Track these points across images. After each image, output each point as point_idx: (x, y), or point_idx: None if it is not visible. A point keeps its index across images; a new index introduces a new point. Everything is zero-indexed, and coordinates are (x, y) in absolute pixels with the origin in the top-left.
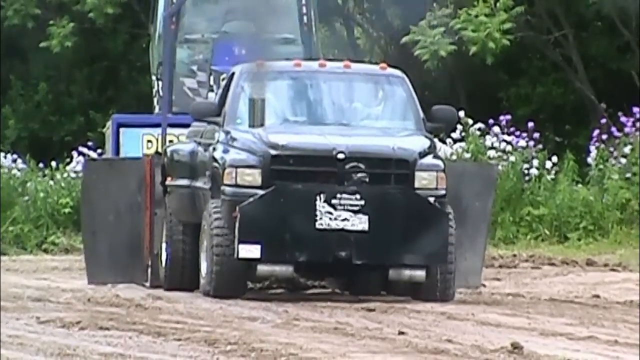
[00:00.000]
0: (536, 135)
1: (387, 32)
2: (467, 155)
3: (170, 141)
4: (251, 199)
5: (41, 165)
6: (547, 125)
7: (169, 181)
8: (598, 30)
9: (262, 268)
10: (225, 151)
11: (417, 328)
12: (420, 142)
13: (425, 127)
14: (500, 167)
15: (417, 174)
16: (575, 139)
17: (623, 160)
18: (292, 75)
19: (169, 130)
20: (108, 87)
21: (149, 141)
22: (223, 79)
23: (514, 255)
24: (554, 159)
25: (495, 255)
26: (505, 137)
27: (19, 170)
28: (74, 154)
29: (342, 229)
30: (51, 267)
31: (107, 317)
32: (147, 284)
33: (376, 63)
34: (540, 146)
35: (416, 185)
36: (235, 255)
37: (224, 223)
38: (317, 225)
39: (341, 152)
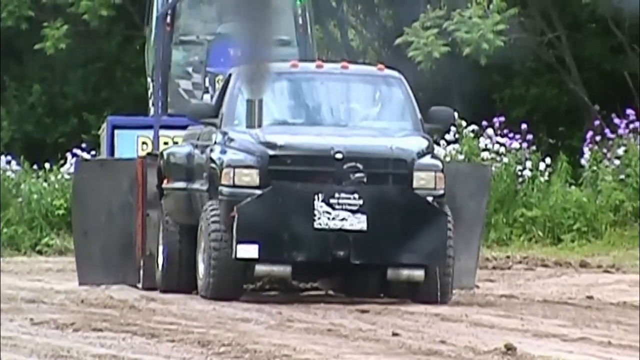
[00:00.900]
0: (530, 136)
1: (381, 34)
2: (461, 157)
3: (165, 143)
4: (249, 199)
5: (35, 166)
6: (541, 126)
7: (165, 184)
8: (591, 32)
9: (260, 268)
10: (223, 152)
11: (410, 329)
12: (418, 143)
13: (423, 127)
14: (493, 169)
15: (416, 173)
16: (568, 141)
17: (616, 162)
18: (289, 77)
19: (164, 132)
20: (102, 89)
21: (144, 143)
22: (218, 81)
23: (508, 257)
24: (548, 160)
25: (489, 256)
26: (499, 138)
27: (13, 171)
28: (68, 155)
29: (341, 229)
30: (45, 269)
31: (100, 318)
32: (140, 285)
33: (373, 64)
34: (534, 148)
35: (414, 185)
36: (233, 255)
37: (222, 224)
38: (316, 225)
39: (339, 152)
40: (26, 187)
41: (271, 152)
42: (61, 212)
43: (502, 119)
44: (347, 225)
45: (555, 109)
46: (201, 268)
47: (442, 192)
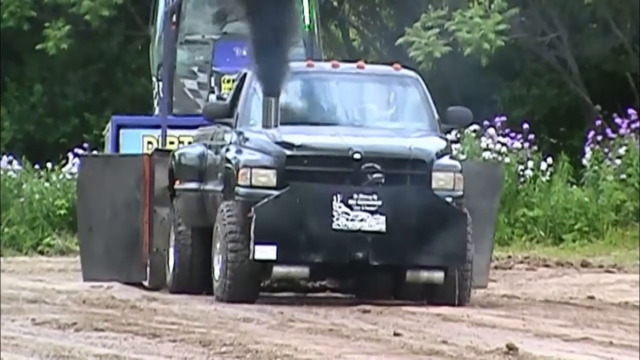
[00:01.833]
0: (531, 136)
1: (382, 34)
2: (463, 157)
3: (171, 142)
4: (266, 200)
5: (36, 166)
6: (542, 126)
7: (177, 185)
8: (592, 32)
9: (277, 269)
10: (239, 152)
11: (412, 329)
12: (436, 143)
13: (440, 128)
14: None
15: (434, 174)
16: (570, 141)
17: (618, 162)
18: (305, 76)
19: (169, 131)
20: (103, 89)
21: (149, 142)
22: (224, 81)
23: (509, 257)
24: (549, 160)
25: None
26: (500, 138)
27: (14, 171)
28: (70, 155)
29: (359, 230)
30: (46, 269)
31: (102, 318)
32: (146, 283)
33: (389, 64)
34: (535, 147)
35: (433, 185)
36: (251, 257)
37: (238, 225)
38: (334, 226)
39: (357, 152)
40: (28, 187)
41: (288, 152)
42: (63, 212)
43: (504, 118)
44: (365, 226)
45: (556, 109)
46: (217, 270)
47: (461, 192)
